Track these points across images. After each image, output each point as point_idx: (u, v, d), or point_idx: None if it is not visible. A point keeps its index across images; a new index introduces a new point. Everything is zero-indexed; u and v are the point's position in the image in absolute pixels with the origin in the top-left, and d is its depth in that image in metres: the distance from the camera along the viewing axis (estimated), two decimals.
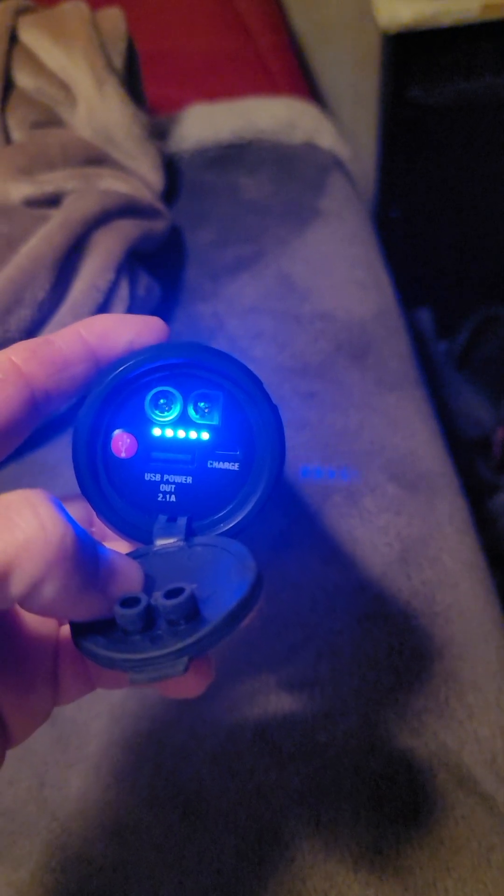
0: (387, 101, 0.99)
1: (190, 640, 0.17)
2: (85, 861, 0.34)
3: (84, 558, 0.18)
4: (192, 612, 0.18)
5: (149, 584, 0.20)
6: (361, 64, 1.07)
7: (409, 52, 0.96)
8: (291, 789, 0.36)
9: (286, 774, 0.36)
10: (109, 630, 0.19)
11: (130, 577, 0.20)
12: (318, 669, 0.39)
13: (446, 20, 0.94)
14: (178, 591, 0.18)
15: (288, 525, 0.44)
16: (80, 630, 0.19)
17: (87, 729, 0.38)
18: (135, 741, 0.37)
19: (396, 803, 0.36)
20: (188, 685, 0.21)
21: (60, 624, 0.24)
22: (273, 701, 0.38)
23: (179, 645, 0.17)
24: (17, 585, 0.17)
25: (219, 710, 0.38)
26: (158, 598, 0.18)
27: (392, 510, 0.45)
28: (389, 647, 0.40)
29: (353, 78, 1.11)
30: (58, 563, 0.17)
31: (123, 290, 0.49)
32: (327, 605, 0.41)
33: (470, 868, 0.34)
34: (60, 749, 0.37)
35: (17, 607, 0.22)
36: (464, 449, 0.91)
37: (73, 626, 0.20)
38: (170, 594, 0.18)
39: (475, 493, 0.89)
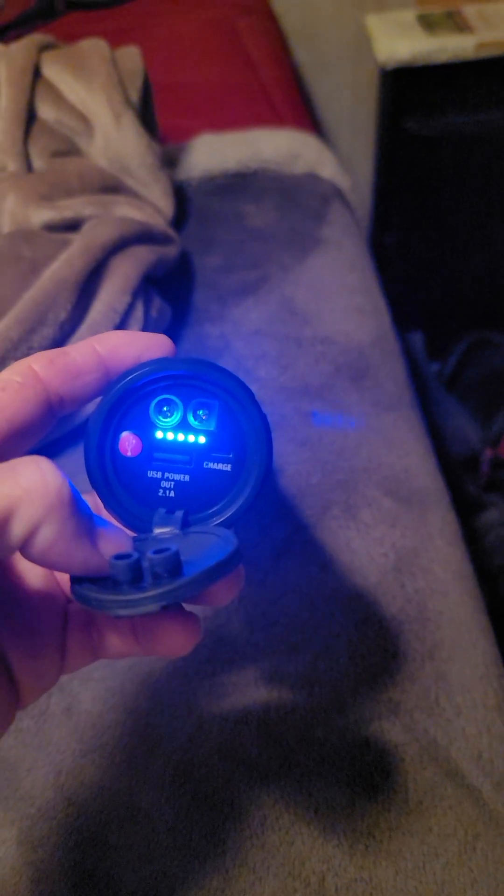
0: (383, 131, 1.03)
1: (168, 587, 0.20)
2: (100, 842, 0.37)
3: (79, 510, 0.21)
4: (176, 568, 0.21)
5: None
6: (360, 96, 1.11)
7: (405, 85, 0.99)
8: (292, 779, 0.39)
9: (287, 765, 0.39)
10: (102, 582, 0.22)
11: (121, 540, 0.23)
12: (316, 669, 0.42)
13: (442, 57, 0.97)
14: (166, 549, 0.21)
15: (289, 534, 0.48)
16: (78, 580, 0.22)
17: (102, 721, 0.40)
18: (147, 732, 0.40)
19: (389, 793, 0.39)
20: (177, 641, 0.24)
21: (63, 587, 0.26)
22: (275, 698, 0.41)
23: (159, 590, 0.20)
24: (19, 526, 0.19)
25: (225, 705, 0.41)
26: (148, 556, 0.21)
27: (387, 523, 0.48)
28: (384, 650, 0.43)
29: (352, 109, 1.15)
30: (55, 508, 0.20)
31: (138, 312, 0.52)
32: (325, 609, 0.44)
33: (456, 853, 0.37)
34: (77, 739, 0.40)
35: (25, 573, 0.25)
36: (453, 467, 0.94)
37: (73, 577, 0.23)
38: (158, 551, 0.21)
39: (463, 511, 0.92)
